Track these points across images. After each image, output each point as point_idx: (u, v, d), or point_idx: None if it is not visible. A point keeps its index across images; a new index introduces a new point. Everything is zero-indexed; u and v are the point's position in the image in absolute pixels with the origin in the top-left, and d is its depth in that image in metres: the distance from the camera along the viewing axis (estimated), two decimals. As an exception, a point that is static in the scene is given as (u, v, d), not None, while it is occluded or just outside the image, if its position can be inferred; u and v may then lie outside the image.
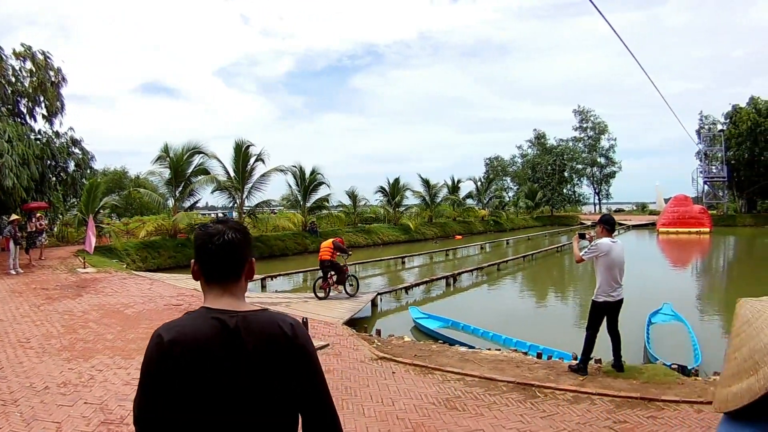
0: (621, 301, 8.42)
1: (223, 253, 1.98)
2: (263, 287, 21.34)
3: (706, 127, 74.76)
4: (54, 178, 29.83)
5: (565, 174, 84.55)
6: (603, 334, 8.54)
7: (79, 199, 30.33)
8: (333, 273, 16.50)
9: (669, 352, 10.97)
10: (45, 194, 27.88)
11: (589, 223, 63.62)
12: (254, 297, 16.79)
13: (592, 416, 6.70)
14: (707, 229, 53.42)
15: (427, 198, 53.65)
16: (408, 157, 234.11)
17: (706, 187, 73.19)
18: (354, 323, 13.68)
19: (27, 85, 28.24)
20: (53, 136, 29.47)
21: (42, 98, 28.63)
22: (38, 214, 23.57)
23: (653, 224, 61.01)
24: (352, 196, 46.58)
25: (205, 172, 33.24)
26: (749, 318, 1.51)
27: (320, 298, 16.13)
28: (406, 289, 20.06)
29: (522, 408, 7.04)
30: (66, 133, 30.09)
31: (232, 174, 34.15)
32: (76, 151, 30.69)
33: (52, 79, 28.83)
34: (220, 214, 44.65)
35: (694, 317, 15.27)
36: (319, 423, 1.96)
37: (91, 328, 11.31)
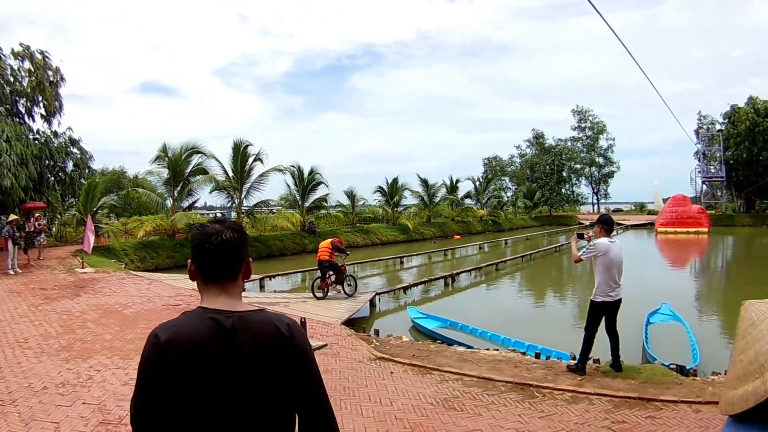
0: (619, 301, 8.42)
1: (221, 252, 1.97)
2: (262, 287, 21.34)
3: (705, 127, 74.75)
4: (52, 178, 29.85)
5: (564, 174, 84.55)
6: (601, 334, 8.54)
7: (77, 199, 30.35)
8: (331, 273, 16.51)
9: (667, 352, 10.98)
10: (43, 194, 27.88)
11: (587, 223, 63.62)
12: (252, 297, 16.80)
13: (590, 416, 6.70)
14: (705, 229, 53.42)
15: (425, 198, 53.67)
16: (407, 157, 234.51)
17: (704, 186, 73.25)
18: (352, 323, 13.68)
19: (25, 84, 28.26)
20: (51, 136, 29.50)
21: (40, 98, 28.64)
22: (37, 214, 23.57)
23: (652, 224, 61.06)
24: (351, 196, 46.57)
25: (204, 171, 33.21)
26: (755, 320, 1.51)
27: (318, 298, 16.13)
28: (405, 289, 20.06)
29: (520, 408, 7.04)
30: (64, 132, 30.16)
31: (230, 174, 34.13)
32: (75, 150, 30.70)
33: (51, 78, 28.83)
34: (219, 214, 44.63)
35: (693, 317, 15.28)
36: (316, 423, 1.95)
37: (90, 328, 11.31)
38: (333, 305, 15.14)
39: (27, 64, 28.23)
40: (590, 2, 9.51)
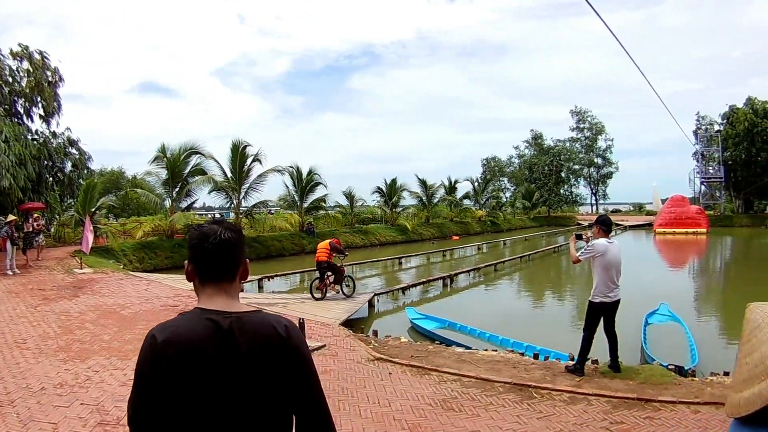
0: (618, 302, 8.43)
1: (220, 251, 1.98)
2: (260, 288, 21.33)
3: (703, 127, 74.78)
4: (51, 179, 29.82)
5: (562, 174, 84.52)
6: (600, 334, 8.55)
7: (75, 199, 30.30)
8: (330, 274, 16.52)
9: (666, 353, 10.98)
10: (42, 195, 27.87)
11: (586, 223, 63.57)
12: (251, 297, 16.80)
13: (588, 417, 6.71)
14: (704, 230, 53.44)
15: (424, 198, 53.72)
16: (406, 157, 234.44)
17: (703, 187, 73.40)
18: (351, 324, 13.67)
19: (24, 85, 28.22)
20: (50, 137, 29.45)
21: (39, 98, 28.61)
22: (35, 215, 23.53)
23: (650, 225, 61.10)
24: (349, 196, 46.58)
25: (202, 172, 33.18)
26: (760, 323, 1.50)
27: (317, 299, 16.11)
28: (403, 289, 20.06)
29: (518, 409, 7.04)
30: (63, 133, 30.08)
31: (229, 174, 34.08)
32: (73, 151, 30.66)
33: (49, 79, 28.81)
34: (217, 215, 44.74)
35: (691, 318, 15.28)
36: (313, 424, 1.95)
37: (88, 328, 11.31)
38: (331, 306, 15.14)
39: (26, 65, 28.20)
40: (588, 2, 9.51)
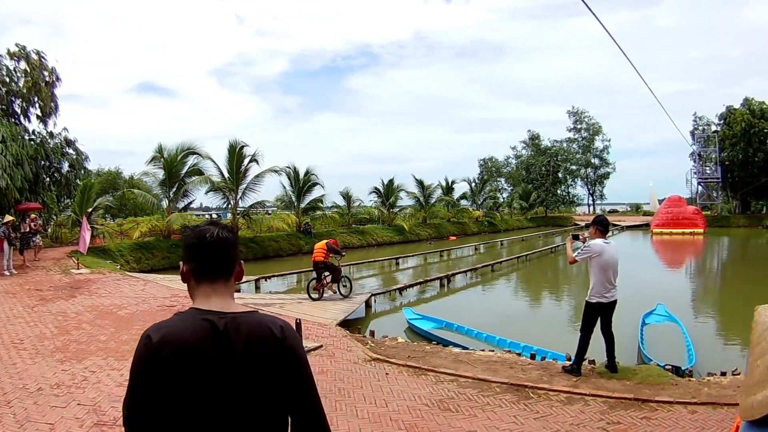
0: (615, 303, 8.43)
1: (217, 249, 2.00)
2: (257, 288, 21.32)
3: (700, 128, 74.91)
4: (48, 179, 29.81)
5: (559, 175, 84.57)
6: (597, 334, 8.55)
7: (72, 199, 30.27)
8: (327, 274, 16.51)
9: (663, 353, 10.98)
10: (39, 195, 27.86)
11: (583, 224, 63.61)
12: (248, 298, 16.80)
13: (585, 417, 6.71)
14: (701, 230, 53.52)
15: (421, 199, 53.77)
16: (403, 158, 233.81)
17: (700, 188, 73.52)
18: (348, 324, 13.65)
19: (21, 85, 28.20)
20: (47, 137, 29.45)
21: (36, 98, 28.59)
22: (32, 215, 23.50)
23: (647, 225, 61.20)
24: (347, 196, 46.56)
25: (199, 172, 33.15)
26: None
27: (314, 299, 16.11)
28: (400, 290, 20.07)
29: (515, 409, 7.05)
30: (60, 133, 30.09)
31: (226, 175, 34.00)
32: (70, 151, 30.66)
33: (47, 79, 28.80)
34: (215, 215, 44.70)
35: (688, 318, 15.28)
36: (308, 425, 1.96)
37: (85, 329, 11.30)
38: (328, 306, 15.14)
39: (23, 65, 28.19)
40: (585, 3, 9.51)
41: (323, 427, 1.98)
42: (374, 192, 50.20)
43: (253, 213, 35.90)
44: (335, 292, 16.60)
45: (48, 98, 28.69)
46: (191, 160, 32.72)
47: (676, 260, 36.61)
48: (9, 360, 8.89)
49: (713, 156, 68.96)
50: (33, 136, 28.80)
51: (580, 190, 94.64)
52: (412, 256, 35.19)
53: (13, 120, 27.64)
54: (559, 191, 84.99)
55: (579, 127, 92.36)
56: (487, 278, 25.38)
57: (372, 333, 12.62)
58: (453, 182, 59.91)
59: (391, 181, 49.67)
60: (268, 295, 18.78)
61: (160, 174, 31.73)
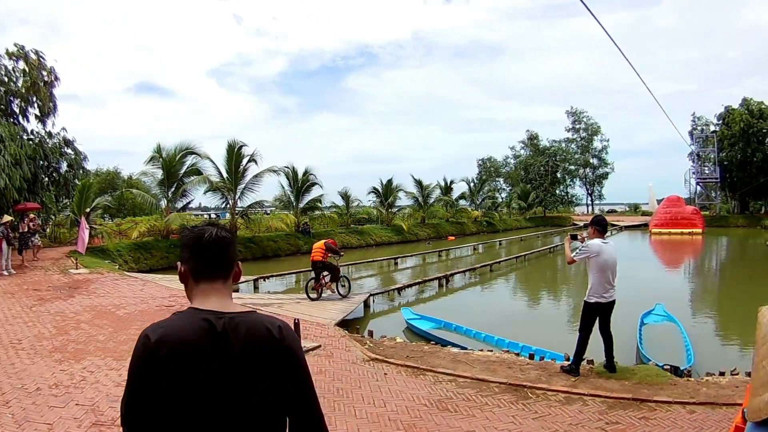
0: (613, 303, 8.44)
1: (216, 248, 2.00)
2: (256, 288, 21.31)
3: (699, 128, 75.05)
4: (46, 179, 29.74)
5: (558, 175, 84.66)
6: (595, 334, 8.56)
7: (71, 199, 30.26)
8: (326, 273, 16.50)
9: (661, 353, 10.98)
10: (37, 195, 27.81)
11: (581, 224, 63.66)
12: (246, 298, 16.81)
13: (584, 417, 6.72)
14: (699, 230, 53.59)
15: (420, 199, 53.73)
16: (402, 157, 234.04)
17: (698, 188, 73.62)
18: (346, 324, 13.65)
19: (20, 85, 28.11)
20: (46, 137, 29.38)
21: (35, 98, 28.50)
22: (31, 215, 23.48)
23: (646, 225, 61.24)
24: (345, 196, 46.54)
25: (198, 172, 33.11)
26: None
27: (312, 299, 16.11)
28: (399, 290, 20.06)
29: (514, 409, 7.05)
30: (58, 133, 30.02)
31: (224, 174, 33.95)
32: (69, 151, 30.59)
33: (45, 78, 28.72)
34: (213, 215, 44.65)
35: (687, 318, 15.29)
36: (306, 426, 1.95)
37: (83, 329, 11.29)
38: (327, 306, 15.13)
39: (21, 65, 28.09)
40: (584, 3, 9.51)
41: (321, 428, 1.98)
42: (373, 192, 50.19)
43: (251, 213, 35.85)
44: (334, 292, 16.59)
45: (46, 98, 28.62)
46: (190, 160, 32.68)
47: (674, 260, 36.65)
48: (7, 360, 8.88)
49: (712, 156, 69.08)
50: (31, 136, 28.74)
51: (578, 190, 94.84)
52: (411, 256, 35.18)
53: (11, 120, 27.56)
54: (557, 191, 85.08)
55: (577, 127, 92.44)
56: (486, 278, 25.38)
57: (370, 333, 12.63)
58: (452, 182, 59.96)
59: (389, 181, 49.65)
60: (266, 295, 18.78)
61: (159, 174, 31.68)
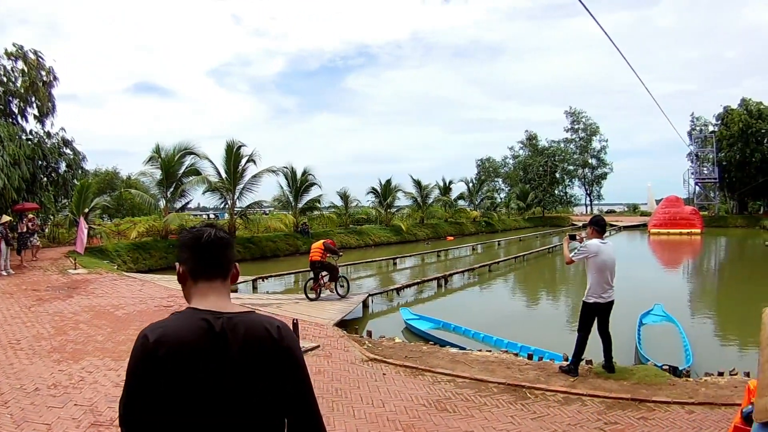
0: (612, 303, 8.44)
1: (215, 247, 2.01)
2: (254, 288, 21.30)
3: (698, 128, 75.15)
4: (45, 179, 29.76)
5: (557, 175, 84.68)
6: (594, 335, 8.56)
7: (70, 199, 30.25)
8: (324, 273, 16.48)
9: (660, 353, 10.98)
10: (36, 195, 27.85)
11: (580, 224, 63.70)
12: (245, 298, 16.80)
13: (582, 417, 6.72)
14: (698, 230, 53.64)
15: (418, 199, 53.71)
16: (401, 157, 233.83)
17: (697, 188, 73.66)
18: (345, 324, 13.65)
19: (19, 85, 28.10)
20: (44, 137, 29.40)
21: (33, 98, 28.50)
22: (30, 215, 23.48)
23: (644, 225, 61.27)
24: (344, 197, 46.53)
25: (197, 172, 33.08)
26: None
27: (311, 300, 16.10)
28: (398, 290, 20.05)
29: (512, 409, 7.05)
30: (57, 133, 30.06)
31: (223, 175, 33.91)
32: (68, 151, 30.62)
33: (44, 78, 28.73)
34: (212, 215, 44.61)
35: (686, 318, 15.30)
36: (304, 426, 1.95)
37: (82, 329, 11.28)
38: (326, 306, 15.12)
39: (20, 65, 28.08)
40: (582, 3, 9.53)
41: (319, 428, 1.98)
42: (372, 192, 50.21)
43: (250, 213, 35.79)
44: (333, 292, 16.57)
45: (45, 98, 28.62)
46: (188, 160, 32.65)
47: (673, 260, 36.68)
48: (6, 360, 8.87)
49: (710, 156, 69.21)
50: (30, 136, 28.76)
51: (577, 190, 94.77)
52: (410, 256, 35.17)
53: (10, 120, 27.54)
54: (556, 191, 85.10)
55: (576, 127, 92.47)
56: (485, 278, 25.39)
57: (369, 333, 12.62)
58: (450, 182, 59.90)
59: (388, 182, 49.66)
60: (265, 296, 18.79)
61: (158, 174, 31.65)
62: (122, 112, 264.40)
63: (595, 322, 8.49)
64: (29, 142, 27.44)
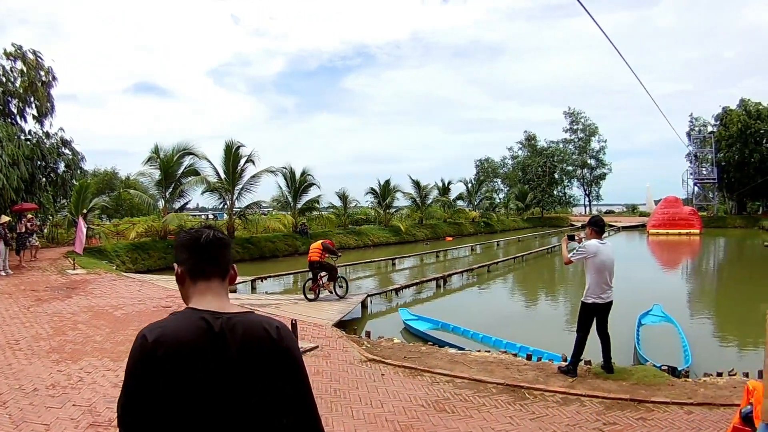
0: (610, 303, 8.43)
1: (213, 247, 2.02)
2: (253, 288, 21.28)
3: (697, 128, 75.23)
4: (44, 179, 29.74)
5: (556, 176, 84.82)
6: (593, 335, 8.56)
7: (69, 200, 30.28)
8: (323, 274, 16.46)
9: (659, 354, 10.99)
10: (35, 195, 27.82)
11: (579, 224, 63.72)
12: (244, 298, 16.78)
13: (581, 418, 6.72)
14: (697, 231, 53.67)
15: (417, 199, 53.72)
16: (400, 157, 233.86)
17: (696, 188, 73.67)
18: (344, 325, 13.66)
19: (18, 85, 28.09)
20: (43, 137, 29.38)
21: (32, 98, 28.49)
22: (29, 216, 23.47)
23: (643, 226, 61.25)
24: (343, 197, 46.56)
25: (196, 173, 33.05)
26: None
27: (310, 300, 16.09)
28: (397, 290, 20.04)
29: (511, 410, 7.04)
30: (56, 133, 30.03)
31: (222, 175, 33.93)
32: (66, 151, 30.60)
33: (43, 78, 28.71)
34: (211, 216, 44.59)
35: (685, 319, 15.30)
36: (303, 426, 1.95)
37: (80, 329, 11.27)
38: (324, 307, 15.12)
39: (19, 65, 28.07)
40: (581, 4, 9.53)
41: (318, 428, 1.98)
42: (371, 192, 50.25)
43: (249, 213, 35.77)
44: (331, 292, 16.56)
45: (44, 98, 28.60)
46: (187, 161, 32.59)
47: (672, 261, 36.70)
48: (5, 360, 8.86)
49: (709, 157, 69.28)
50: (29, 137, 28.73)
51: (576, 190, 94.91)
52: (409, 256, 35.19)
53: (9, 120, 27.52)
54: (555, 192, 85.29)
55: (575, 127, 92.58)
56: (484, 279, 25.39)
57: (368, 334, 12.60)
58: (449, 183, 59.89)
59: (387, 182, 49.71)
60: (264, 296, 18.80)
61: (157, 174, 31.60)
62: (122, 112, 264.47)
63: (594, 322, 8.49)
64: (28, 143, 27.42)
